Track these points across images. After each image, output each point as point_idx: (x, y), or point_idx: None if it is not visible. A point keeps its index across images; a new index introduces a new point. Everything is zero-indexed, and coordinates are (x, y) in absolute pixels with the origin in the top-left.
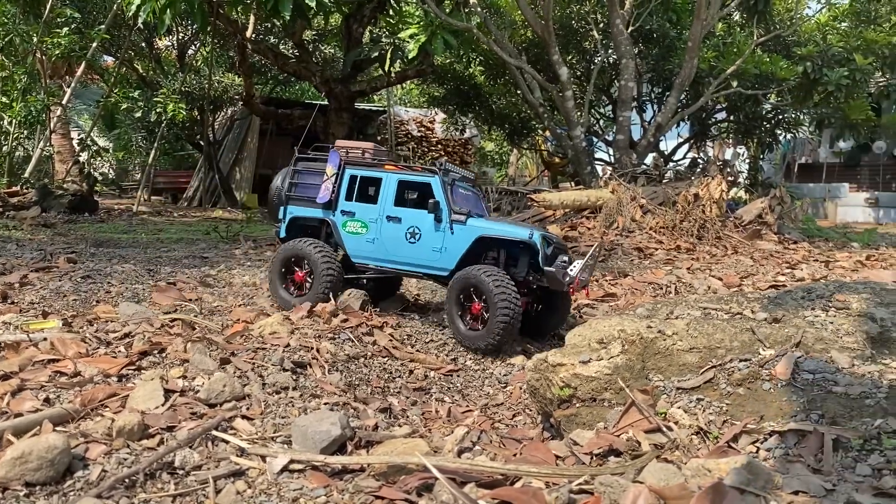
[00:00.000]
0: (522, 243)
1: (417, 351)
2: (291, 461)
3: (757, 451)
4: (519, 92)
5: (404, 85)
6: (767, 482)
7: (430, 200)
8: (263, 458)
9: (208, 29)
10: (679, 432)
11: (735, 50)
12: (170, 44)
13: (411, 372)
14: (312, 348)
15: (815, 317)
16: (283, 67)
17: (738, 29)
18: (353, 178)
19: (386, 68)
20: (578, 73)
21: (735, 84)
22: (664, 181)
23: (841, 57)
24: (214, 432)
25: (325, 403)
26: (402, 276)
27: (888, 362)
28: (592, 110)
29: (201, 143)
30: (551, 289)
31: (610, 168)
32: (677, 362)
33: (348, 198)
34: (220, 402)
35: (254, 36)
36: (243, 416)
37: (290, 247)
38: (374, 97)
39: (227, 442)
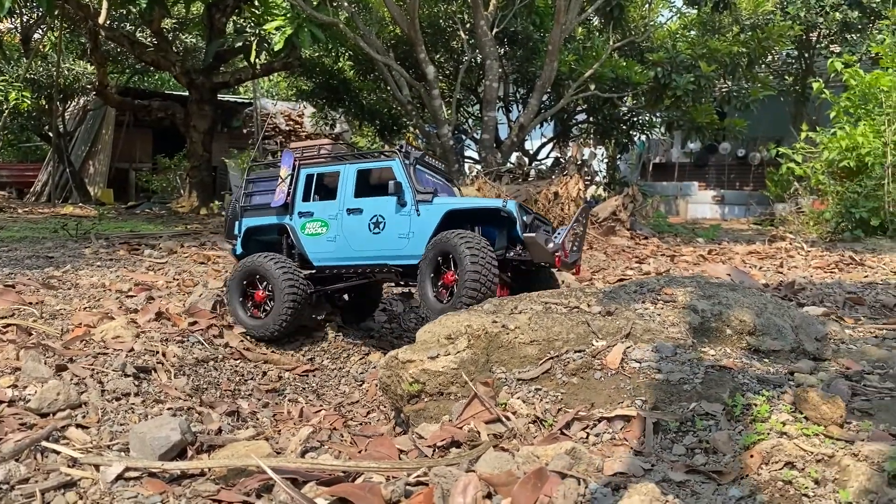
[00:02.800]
0: (497, 215)
1: (272, 352)
2: (127, 469)
3: (587, 437)
4: (389, 88)
5: (271, 77)
6: (590, 465)
7: (392, 181)
8: (97, 467)
9: (56, 13)
10: (517, 422)
11: (594, 54)
12: (12, 27)
13: (265, 373)
14: (158, 352)
15: (644, 309)
16: (141, 56)
17: (597, 34)
18: (309, 178)
19: (251, 60)
20: (447, 73)
21: (593, 87)
22: (527, 180)
23: (688, 63)
24: (44, 443)
25: (169, 409)
26: (374, 283)
27: (706, 350)
28: (462, 109)
29: (50, 134)
30: (536, 266)
31: (477, 166)
32: (519, 355)
33: (305, 198)
34: (53, 411)
35: (108, 22)
36: (78, 425)
37: (249, 263)
38: (240, 89)
39: (58, 453)
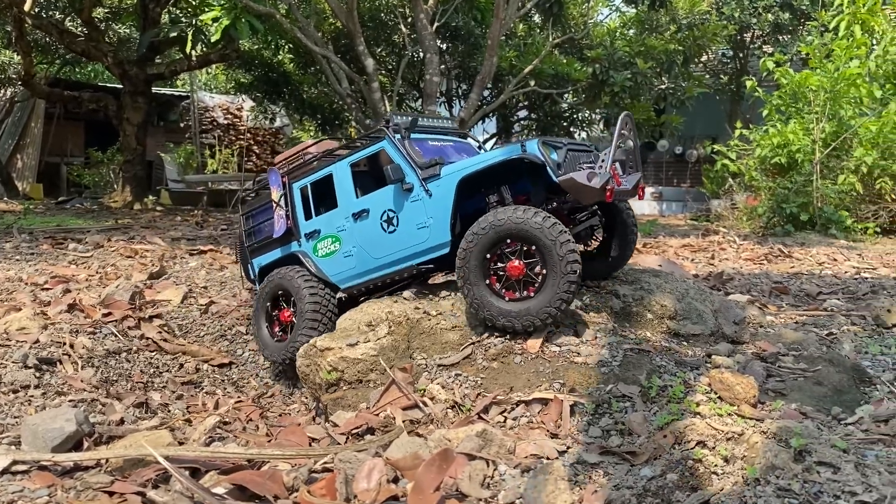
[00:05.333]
0: (520, 166)
1: (192, 343)
2: (14, 462)
3: (504, 421)
4: (330, 82)
5: (209, 70)
6: (501, 447)
7: (386, 167)
8: None
9: None
10: (434, 407)
11: (534, 50)
12: None
13: (181, 366)
14: (65, 344)
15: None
16: (71, 46)
17: (538, 31)
18: (303, 192)
19: (187, 51)
20: (390, 67)
21: (533, 83)
22: None
23: (625, 61)
24: None
25: (71, 401)
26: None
27: (626, 334)
28: (404, 104)
29: None
30: (594, 207)
31: None
32: (441, 340)
33: (307, 216)
34: None
35: (34, 10)
36: None
37: (274, 277)
38: (177, 82)
39: None
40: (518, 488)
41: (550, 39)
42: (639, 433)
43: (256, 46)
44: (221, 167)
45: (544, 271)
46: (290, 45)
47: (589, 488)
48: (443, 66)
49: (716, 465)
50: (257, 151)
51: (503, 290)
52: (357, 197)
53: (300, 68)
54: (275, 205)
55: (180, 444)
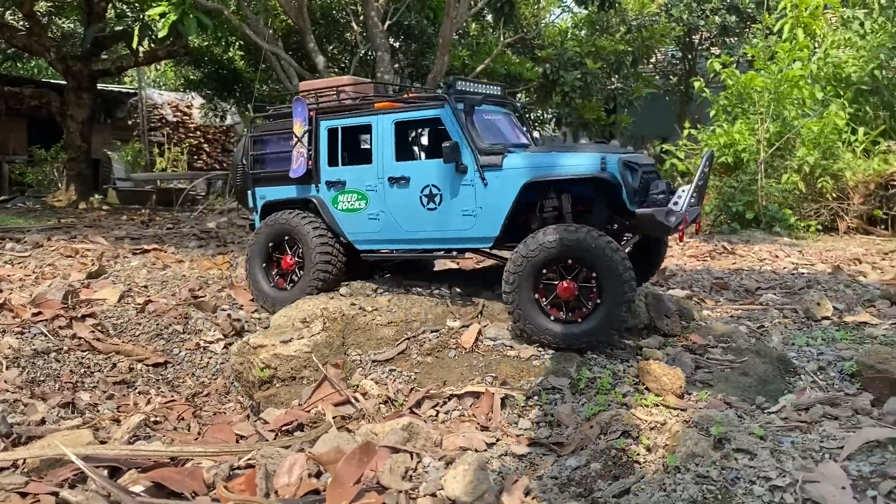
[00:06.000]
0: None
1: (127, 342)
2: None
3: (437, 415)
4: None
5: (158, 66)
6: (428, 440)
7: (444, 145)
8: None
9: None
10: (367, 402)
11: (487, 50)
12: None
13: (114, 365)
14: None
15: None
16: (11, 41)
17: (491, 30)
18: (332, 133)
19: (134, 46)
20: (343, 65)
21: (485, 82)
22: None
23: (576, 61)
24: None
25: None
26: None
27: None
28: None
29: None
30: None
31: None
32: (376, 336)
33: (332, 162)
34: None
35: None
36: None
37: (278, 220)
38: (125, 79)
39: None
40: (440, 480)
41: (502, 39)
42: (567, 424)
43: (206, 43)
44: (170, 166)
45: (598, 293)
46: (241, 42)
47: (510, 479)
48: (395, 65)
49: (638, 454)
50: (207, 150)
51: (551, 308)
52: (397, 160)
53: (251, 65)
54: (295, 139)
55: (102, 443)
